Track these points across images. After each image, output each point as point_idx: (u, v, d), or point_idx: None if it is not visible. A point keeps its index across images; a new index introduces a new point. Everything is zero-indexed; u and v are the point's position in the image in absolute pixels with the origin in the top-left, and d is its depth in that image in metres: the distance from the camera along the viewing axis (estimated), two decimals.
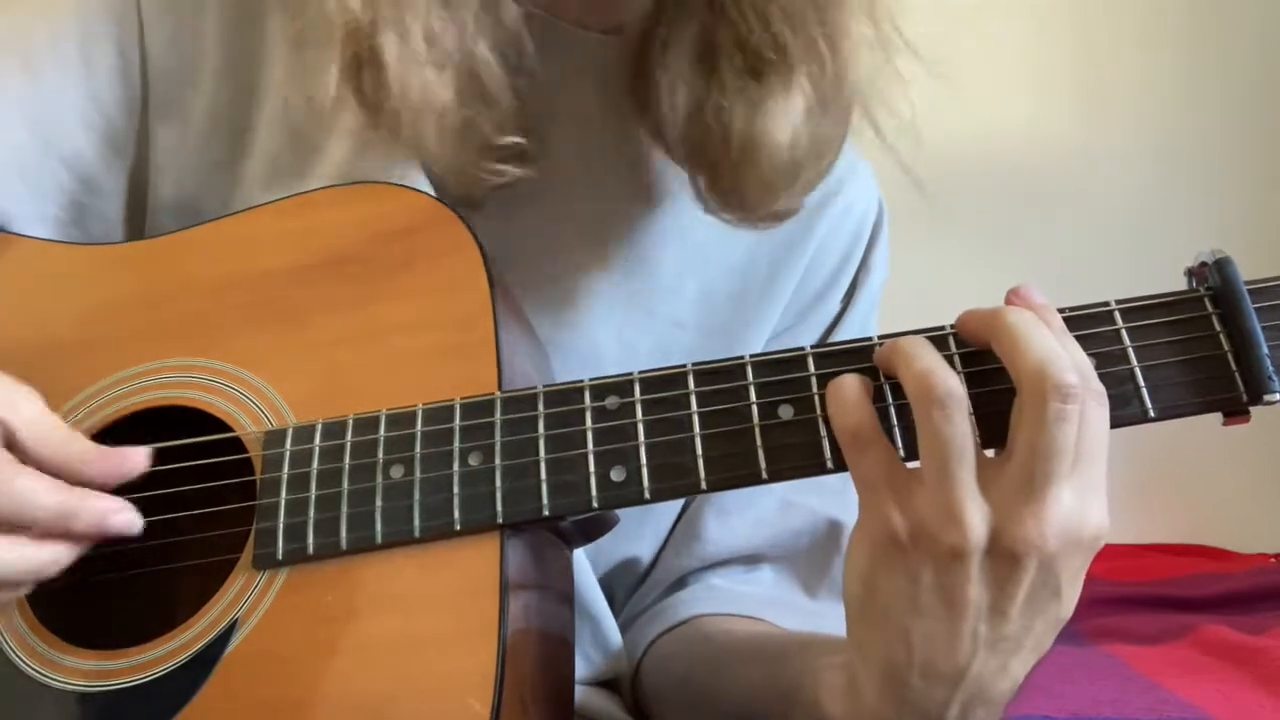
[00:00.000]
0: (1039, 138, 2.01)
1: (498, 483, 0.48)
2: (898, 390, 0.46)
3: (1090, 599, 1.67)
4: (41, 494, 0.45)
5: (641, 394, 0.49)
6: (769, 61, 0.55)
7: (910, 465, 0.45)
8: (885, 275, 0.71)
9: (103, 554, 0.48)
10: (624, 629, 0.69)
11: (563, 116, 0.61)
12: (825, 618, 0.65)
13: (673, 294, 0.65)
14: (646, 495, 0.48)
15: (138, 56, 0.61)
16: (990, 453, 0.45)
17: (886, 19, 0.57)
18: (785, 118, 0.55)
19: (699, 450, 0.48)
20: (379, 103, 0.54)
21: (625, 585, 0.71)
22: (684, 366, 0.49)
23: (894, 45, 0.57)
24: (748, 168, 0.56)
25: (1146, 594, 1.70)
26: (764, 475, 0.47)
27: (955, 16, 1.97)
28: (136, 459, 0.48)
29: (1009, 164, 2.01)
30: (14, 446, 0.46)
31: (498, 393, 0.50)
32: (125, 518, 0.47)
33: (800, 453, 0.47)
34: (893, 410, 0.47)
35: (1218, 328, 0.47)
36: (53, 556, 0.46)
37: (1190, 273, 0.49)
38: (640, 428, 0.49)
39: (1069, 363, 0.43)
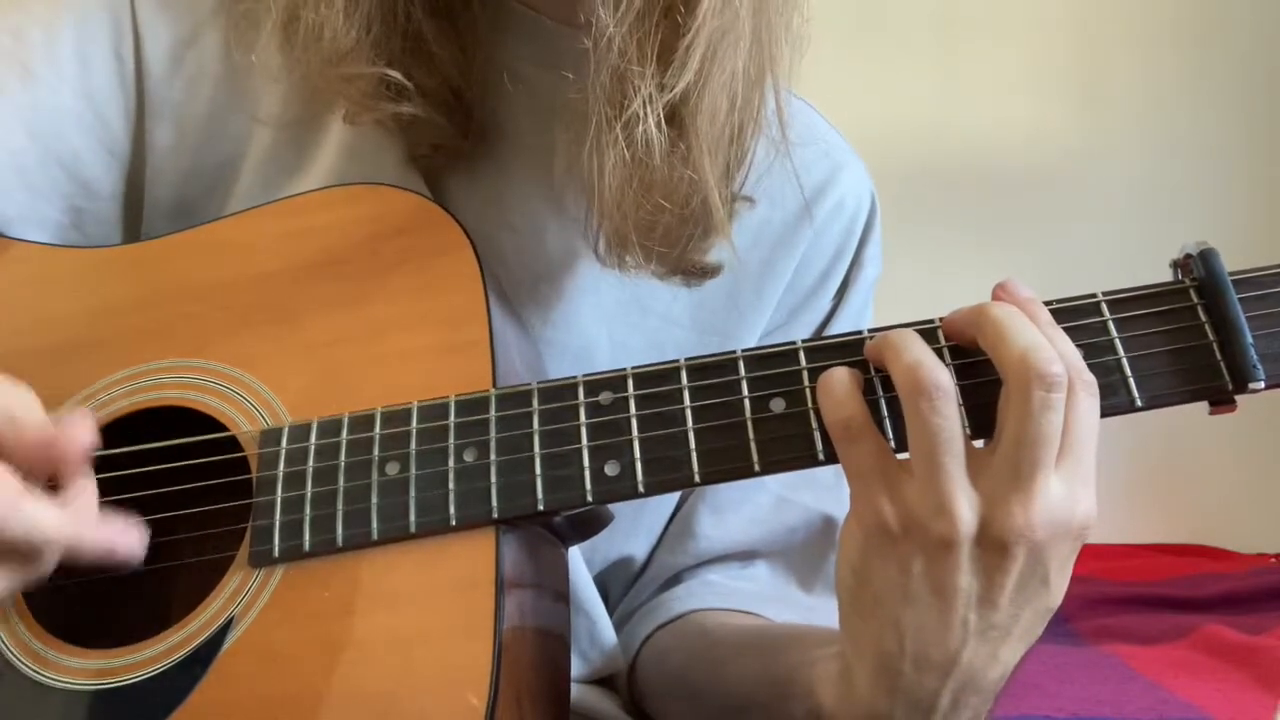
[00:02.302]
0: (1039, 138, 2.02)
1: (493, 478, 0.49)
2: (888, 382, 0.47)
3: (1090, 599, 1.68)
4: (51, 521, 0.43)
5: (635, 389, 0.50)
6: (608, 107, 0.53)
7: (901, 456, 0.46)
8: (878, 270, 0.71)
9: None
10: (618, 626, 0.69)
11: (548, 113, 0.61)
12: (820, 613, 0.65)
13: (665, 290, 0.65)
14: (640, 489, 0.48)
15: (133, 61, 0.62)
16: (980, 443, 0.46)
17: (759, 76, 0.55)
18: (610, 161, 0.53)
19: (692, 444, 0.48)
20: (300, 56, 0.56)
21: (620, 583, 0.71)
22: (676, 362, 0.50)
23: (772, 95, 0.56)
24: (594, 208, 0.56)
25: (1146, 594, 1.70)
26: (756, 468, 0.48)
27: (956, 17, 1.99)
28: (79, 432, 0.46)
29: (1009, 164, 2.02)
30: None
31: (492, 389, 0.50)
32: (126, 551, 0.46)
33: (792, 445, 0.48)
34: (883, 402, 0.47)
35: (1203, 318, 0.48)
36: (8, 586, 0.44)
37: (1175, 264, 0.50)
38: (634, 422, 0.49)
39: (1053, 352, 0.43)
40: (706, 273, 0.60)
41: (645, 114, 0.52)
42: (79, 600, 0.53)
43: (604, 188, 0.54)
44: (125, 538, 0.46)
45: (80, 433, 0.46)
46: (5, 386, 0.46)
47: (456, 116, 0.59)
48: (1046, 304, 0.48)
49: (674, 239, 0.57)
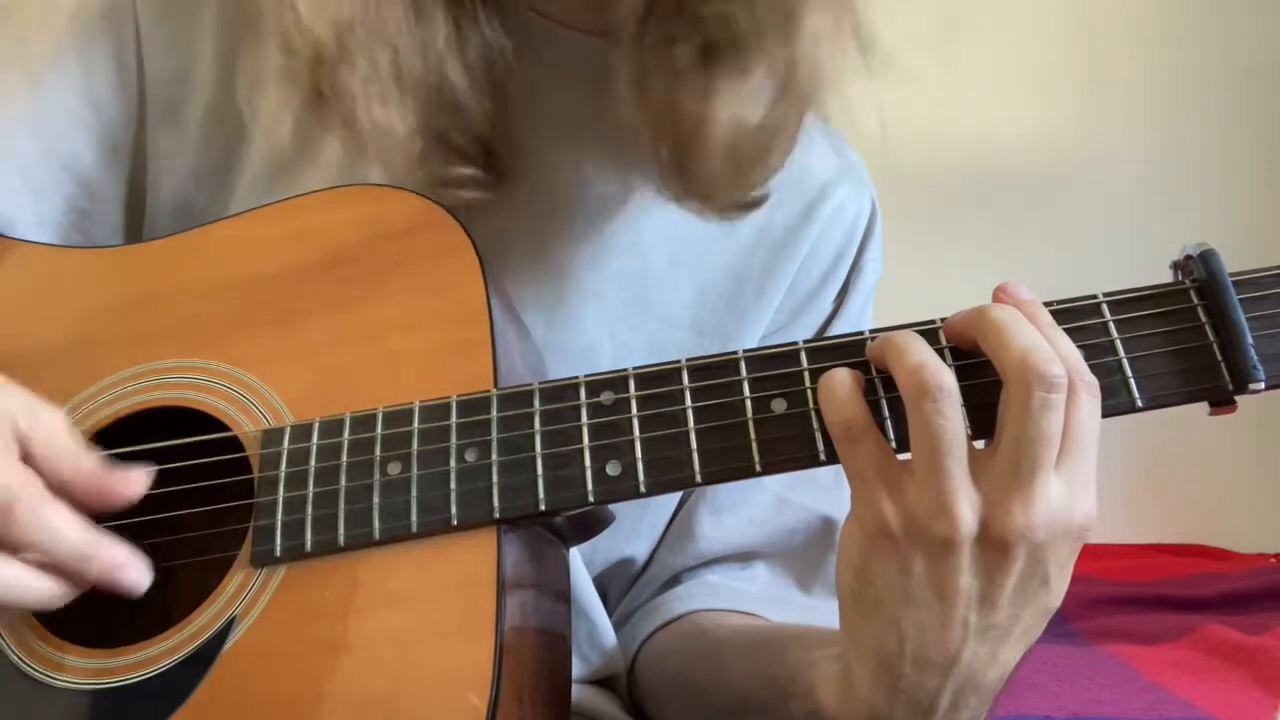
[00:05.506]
0: (1039, 138, 2.02)
1: (495, 478, 0.49)
2: (889, 383, 0.47)
3: (1090, 599, 1.69)
4: (67, 530, 0.45)
5: (636, 390, 0.50)
6: (722, 46, 0.55)
7: (902, 457, 0.46)
8: (879, 274, 0.71)
9: None
10: (617, 627, 0.69)
11: (552, 119, 0.62)
12: (819, 613, 0.65)
13: (667, 292, 0.65)
14: (642, 489, 0.48)
15: (135, 63, 0.62)
16: (981, 444, 0.46)
17: (848, 12, 0.57)
18: (733, 102, 0.55)
19: (693, 444, 0.48)
20: (341, 126, 0.55)
21: (620, 584, 0.71)
22: (678, 362, 0.50)
23: (855, 38, 0.57)
24: (695, 151, 0.56)
25: (1146, 594, 1.71)
26: (758, 468, 0.48)
27: (957, 17, 1.99)
28: (134, 485, 0.48)
29: (1009, 164, 2.02)
30: (28, 459, 0.46)
31: (494, 390, 0.50)
32: (134, 575, 0.46)
33: (793, 445, 0.48)
34: (884, 403, 0.47)
35: (1203, 319, 0.48)
36: (53, 594, 0.45)
37: (1176, 265, 0.50)
38: (635, 423, 0.49)
39: (1052, 353, 0.44)
40: (757, 205, 0.61)
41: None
42: (80, 599, 0.53)
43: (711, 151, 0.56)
44: (134, 563, 0.47)
45: (135, 487, 0.48)
46: (50, 412, 0.47)
47: (481, 159, 0.59)
48: (1047, 304, 0.48)
49: (752, 183, 0.59)
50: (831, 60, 0.56)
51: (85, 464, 0.47)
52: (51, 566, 0.45)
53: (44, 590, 0.45)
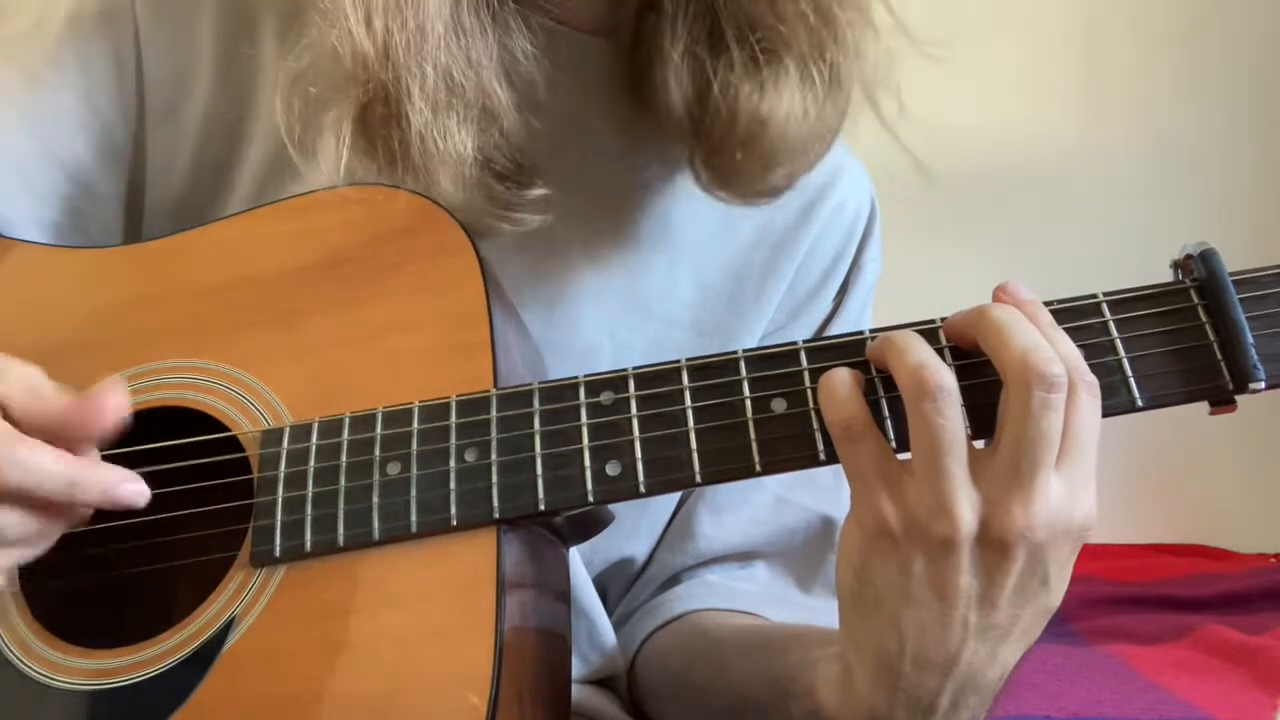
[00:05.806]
0: (1039, 138, 2.02)
1: (494, 478, 0.49)
2: (889, 383, 0.47)
3: (1090, 599, 1.69)
4: (48, 462, 0.44)
5: (636, 389, 0.50)
6: (779, 42, 0.55)
7: (902, 457, 0.46)
8: (878, 273, 0.72)
9: (101, 552, 0.49)
10: (617, 627, 0.69)
11: (560, 120, 0.62)
12: (819, 613, 0.65)
13: (667, 293, 0.66)
14: (641, 489, 0.48)
15: (133, 63, 0.62)
16: (980, 444, 0.46)
17: (885, 3, 0.58)
18: (791, 98, 0.56)
19: (693, 444, 0.48)
20: (395, 157, 0.54)
21: (619, 584, 0.71)
22: (678, 362, 0.50)
23: (895, 30, 0.58)
24: (751, 147, 0.57)
25: (1146, 594, 1.71)
26: (758, 468, 0.48)
27: (956, 16, 1.99)
28: (114, 398, 0.46)
29: (1009, 164, 2.02)
30: (8, 416, 0.45)
31: (493, 390, 0.50)
32: (133, 488, 0.46)
33: (793, 445, 0.48)
34: (884, 403, 0.47)
35: (1203, 318, 0.48)
36: (40, 532, 0.45)
37: (1176, 265, 0.50)
38: (635, 423, 0.49)
39: (1052, 353, 0.44)
40: (784, 191, 0.62)
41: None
42: (79, 600, 0.53)
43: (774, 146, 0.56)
44: (130, 478, 0.46)
45: (114, 399, 0.46)
46: (21, 365, 0.46)
47: (526, 177, 0.58)
48: (1047, 304, 0.48)
49: (794, 177, 0.60)
50: (877, 58, 0.57)
51: (62, 398, 0.46)
52: (40, 507, 0.44)
53: (24, 529, 0.44)
